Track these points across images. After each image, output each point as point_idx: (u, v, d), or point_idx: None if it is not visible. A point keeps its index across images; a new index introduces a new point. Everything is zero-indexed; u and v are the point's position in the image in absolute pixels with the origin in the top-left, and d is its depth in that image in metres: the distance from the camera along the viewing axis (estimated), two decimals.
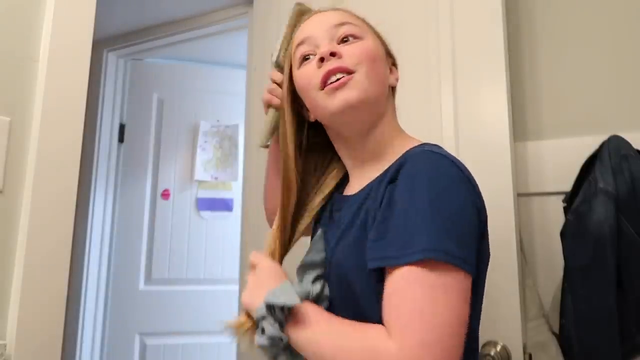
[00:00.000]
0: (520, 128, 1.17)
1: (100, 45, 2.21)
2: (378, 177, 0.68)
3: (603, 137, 1.00)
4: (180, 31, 2.11)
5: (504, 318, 1.00)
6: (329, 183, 0.81)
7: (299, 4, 0.82)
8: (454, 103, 1.14)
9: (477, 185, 0.63)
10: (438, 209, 0.55)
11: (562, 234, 1.00)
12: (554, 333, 1.03)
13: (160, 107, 2.38)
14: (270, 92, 0.80)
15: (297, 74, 0.73)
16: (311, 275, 0.67)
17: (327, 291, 0.66)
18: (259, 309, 0.62)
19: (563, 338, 0.99)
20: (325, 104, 0.67)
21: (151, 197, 2.31)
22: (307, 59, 0.71)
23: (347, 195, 0.75)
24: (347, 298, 0.64)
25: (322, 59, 0.67)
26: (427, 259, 0.52)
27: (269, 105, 0.82)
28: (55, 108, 0.92)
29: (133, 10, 2.04)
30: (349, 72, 0.66)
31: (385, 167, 0.67)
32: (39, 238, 0.88)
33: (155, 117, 2.36)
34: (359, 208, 0.68)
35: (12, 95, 0.88)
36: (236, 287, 1.72)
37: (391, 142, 0.72)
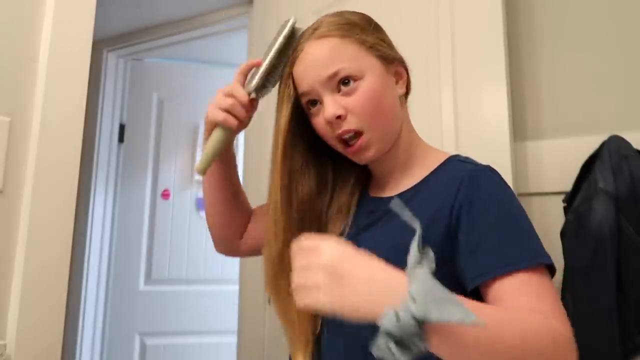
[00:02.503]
0: (520, 128, 1.17)
1: (100, 45, 2.22)
2: (419, 184, 0.72)
3: (603, 137, 1.00)
4: (180, 31, 2.12)
5: None
6: (345, 188, 0.80)
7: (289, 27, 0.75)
8: (454, 103, 1.14)
9: None
10: (524, 223, 0.63)
11: (562, 234, 1.00)
12: None
13: (160, 107, 2.38)
14: (229, 109, 0.74)
15: (311, 116, 0.74)
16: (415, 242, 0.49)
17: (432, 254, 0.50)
18: (400, 322, 0.42)
19: None
20: (350, 156, 0.73)
21: (151, 197, 2.31)
22: (315, 103, 0.72)
23: (382, 197, 0.76)
24: None
25: (330, 123, 0.70)
26: (537, 265, 0.58)
27: (216, 124, 0.76)
28: (55, 108, 0.92)
29: (133, 10, 2.04)
30: (358, 132, 0.70)
31: (422, 174, 0.72)
32: (39, 238, 0.88)
33: (155, 117, 2.37)
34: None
35: (12, 95, 0.88)
36: (236, 287, 1.72)
37: (416, 149, 0.76)
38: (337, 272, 0.48)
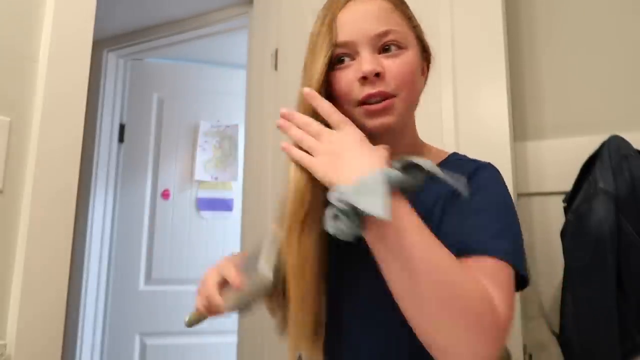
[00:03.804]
0: (520, 128, 1.17)
1: (100, 45, 2.22)
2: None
3: (603, 137, 1.00)
4: (180, 31, 2.12)
5: None
6: None
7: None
8: (454, 103, 1.14)
9: None
10: (512, 220, 0.62)
11: (562, 234, 1.00)
12: (554, 333, 1.03)
13: (160, 107, 2.38)
14: (203, 307, 0.65)
15: (331, 75, 0.68)
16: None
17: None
18: (338, 197, 0.51)
19: (563, 338, 0.99)
20: (361, 121, 0.66)
21: (151, 197, 2.31)
22: (342, 60, 0.67)
23: None
24: None
25: (364, 77, 0.64)
26: (506, 262, 0.57)
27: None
28: (55, 108, 0.92)
29: (133, 10, 2.04)
30: (390, 97, 0.66)
31: None
32: (39, 238, 0.88)
33: (155, 117, 2.37)
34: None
35: (12, 95, 0.88)
36: None
37: (420, 144, 0.75)
38: (337, 153, 0.57)
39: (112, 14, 2.04)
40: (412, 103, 0.70)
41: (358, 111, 0.66)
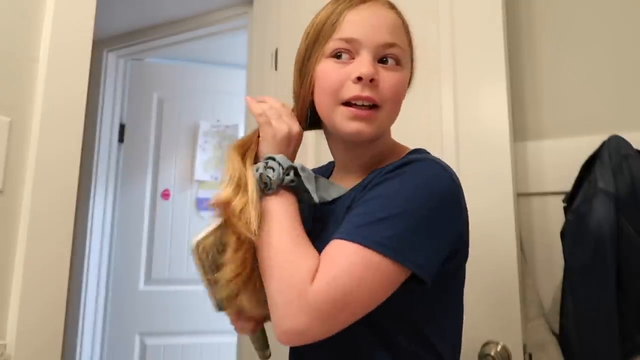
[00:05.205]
0: (520, 128, 1.17)
1: (100, 45, 2.22)
2: (366, 179, 0.68)
3: (603, 137, 1.00)
4: (180, 31, 2.12)
5: (504, 318, 1.00)
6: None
7: None
8: (454, 103, 1.14)
9: (465, 206, 0.66)
10: (413, 209, 0.59)
11: (562, 234, 1.00)
12: (554, 333, 1.03)
13: (160, 107, 2.38)
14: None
15: (321, 66, 0.68)
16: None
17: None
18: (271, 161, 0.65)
19: (563, 338, 0.99)
20: (338, 121, 0.67)
21: (151, 197, 2.31)
22: (339, 56, 0.67)
23: (329, 204, 0.71)
24: None
25: (359, 79, 0.64)
26: (380, 252, 0.57)
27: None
28: (55, 108, 0.92)
29: (133, 10, 2.04)
30: (376, 107, 0.66)
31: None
32: (39, 238, 0.88)
33: (155, 117, 2.37)
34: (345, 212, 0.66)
35: (12, 95, 0.88)
36: None
37: (389, 149, 0.73)
38: (276, 110, 0.71)
39: (112, 14, 2.04)
40: (391, 120, 0.70)
41: (340, 110, 0.66)
